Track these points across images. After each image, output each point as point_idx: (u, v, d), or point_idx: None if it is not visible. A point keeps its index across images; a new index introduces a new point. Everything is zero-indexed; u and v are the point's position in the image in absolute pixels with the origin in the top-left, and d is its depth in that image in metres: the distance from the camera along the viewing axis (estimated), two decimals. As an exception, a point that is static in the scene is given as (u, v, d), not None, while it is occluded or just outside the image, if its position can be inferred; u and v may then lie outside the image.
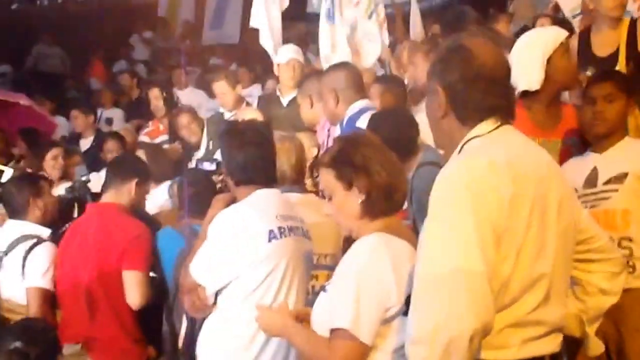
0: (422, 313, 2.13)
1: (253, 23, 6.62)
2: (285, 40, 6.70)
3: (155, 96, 7.34)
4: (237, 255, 3.22)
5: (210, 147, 6.27)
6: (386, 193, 2.68)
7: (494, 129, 2.30)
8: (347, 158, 2.68)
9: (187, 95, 8.55)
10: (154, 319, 4.32)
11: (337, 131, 4.36)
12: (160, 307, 4.37)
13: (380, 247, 2.58)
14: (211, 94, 8.27)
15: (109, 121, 9.48)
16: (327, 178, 2.73)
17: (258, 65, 11.47)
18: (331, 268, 3.86)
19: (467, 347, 2.06)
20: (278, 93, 6.43)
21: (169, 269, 4.18)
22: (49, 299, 4.31)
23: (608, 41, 4.28)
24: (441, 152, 2.85)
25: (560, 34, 3.76)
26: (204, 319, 3.45)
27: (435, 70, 2.37)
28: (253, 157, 3.33)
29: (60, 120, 9.50)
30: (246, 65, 11.23)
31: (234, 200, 3.41)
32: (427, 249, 2.18)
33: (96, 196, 5.06)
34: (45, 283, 4.29)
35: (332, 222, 3.72)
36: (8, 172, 5.61)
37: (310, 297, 3.49)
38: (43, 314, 4.22)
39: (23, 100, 8.06)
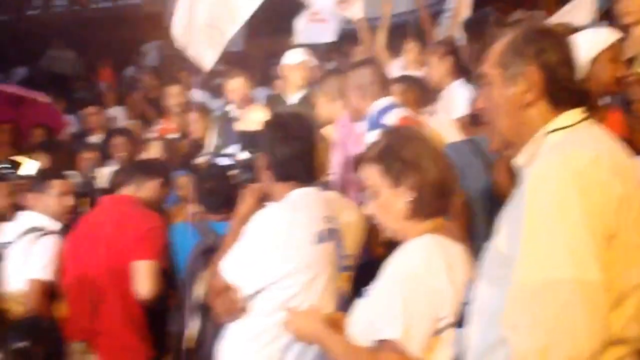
0: (526, 330, 1.63)
1: None
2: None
3: (176, 93, 6.78)
4: (281, 257, 2.69)
5: (220, 143, 5.83)
6: (438, 191, 2.22)
7: (580, 121, 1.88)
8: (395, 153, 2.23)
9: (193, 95, 8.09)
10: (159, 318, 3.81)
11: (362, 127, 3.92)
12: (167, 304, 3.87)
13: (433, 250, 2.13)
14: (215, 95, 8.08)
15: (112, 119, 9.01)
16: (371, 174, 2.27)
17: (257, 72, 11.13)
18: (351, 269, 3.40)
19: None
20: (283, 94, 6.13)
21: (182, 265, 3.67)
22: (49, 291, 3.89)
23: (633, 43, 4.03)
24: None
25: (612, 35, 3.32)
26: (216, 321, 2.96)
27: (526, 52, 1.91)
28: (297, 153, 2.82)
29: (69, 118, 9.18)
30: (247, 71, 10.84)
31: (265, 195, 2.90)
32: (529, 253, 1.68)
33: (103, 191, 4.73)
34: (47, 275, 3.88)
35: (354, 221, 3.32)
36: (32, 165, 5.22)
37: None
38: (41, 306, 3.81)
39: (41, 98, 7.76)
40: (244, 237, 2.74)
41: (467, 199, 3.78)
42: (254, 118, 5.24)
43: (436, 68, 4.98)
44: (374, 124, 3.73)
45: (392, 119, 3.69)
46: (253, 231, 2.73)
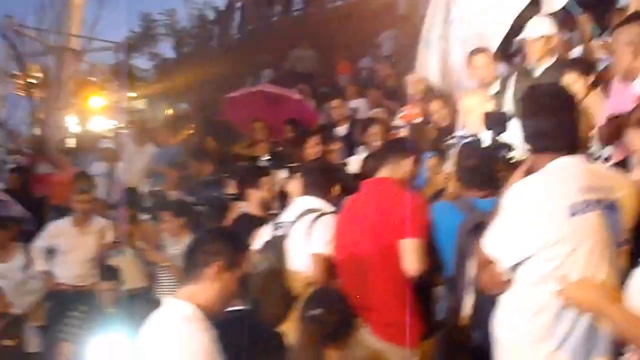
0: None
1: None
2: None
3: (417, 80, 6.92)
4: (533, 232, 2.64)
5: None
6: None
7: None
8: None
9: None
10: (426, 295, 3.91)
11: (635, 88, 3.52)
12: (430, 281, 3.93)
13: None
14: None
15: (354, 110, 9.33)
16: (638, 139, 2.14)
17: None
18: (628, 243, 3.21)
19: None
20: (527, 65, 5.80)
21: (445, 242, 3.71)
22: (330, 266, 4.09)
23: None
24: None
25: None
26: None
27: None
28: (547, 124, 2.76)
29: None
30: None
31: (531, 170, 2.86)
32: None
33: (354, 177, 4.97)
34: (328, 250, 4.10)
35: (627, 194, 3.04)
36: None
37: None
38: (324, 279, 4.01)
39: (295, 95, 8.42)
40: (501, 211, 2.74)
41: None
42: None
43: None
44: None
45: None
46: (506, 205, 2.73)
